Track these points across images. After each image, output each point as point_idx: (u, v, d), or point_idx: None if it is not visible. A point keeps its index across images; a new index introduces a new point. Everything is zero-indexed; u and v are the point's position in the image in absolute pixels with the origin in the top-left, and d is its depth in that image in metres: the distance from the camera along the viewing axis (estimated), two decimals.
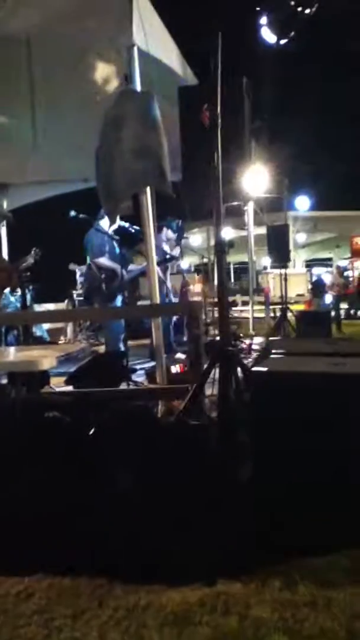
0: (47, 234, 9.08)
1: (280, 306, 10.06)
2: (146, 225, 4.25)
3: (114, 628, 2.05)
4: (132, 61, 4.17)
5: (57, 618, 2.13)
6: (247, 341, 7.68)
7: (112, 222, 5.41)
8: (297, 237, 23.80)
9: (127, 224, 5.64)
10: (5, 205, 7.57)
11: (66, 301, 11.00)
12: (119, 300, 5.82)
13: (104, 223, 5.75)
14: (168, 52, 5.30)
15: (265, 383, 2.83)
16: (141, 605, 2.18)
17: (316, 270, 24.16)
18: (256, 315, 10.78)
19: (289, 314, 9.71)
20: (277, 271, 12.37)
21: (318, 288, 14.90)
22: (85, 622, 2.10)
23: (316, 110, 24.67)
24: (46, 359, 3.10)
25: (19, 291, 6.43)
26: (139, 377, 5.56)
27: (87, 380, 4.49)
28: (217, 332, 5.06)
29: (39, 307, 8.85)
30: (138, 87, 4.18)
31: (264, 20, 6.14)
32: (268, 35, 6.10)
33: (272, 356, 3.58)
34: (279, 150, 10.68)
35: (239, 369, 3.44)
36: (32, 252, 7.24)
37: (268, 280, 17.79)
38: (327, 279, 16.04)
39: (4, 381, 4.18)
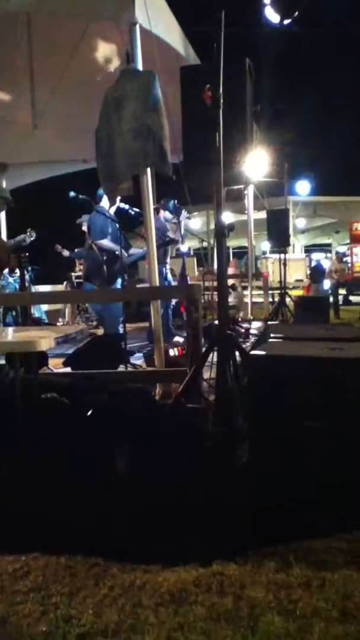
0: (47, 216, 9.00)
1: (278, 291, 10.05)
2: (146, 207, 4.22)
3: (109, 606, 2.07)
4: (134, 39, 4.10)
5: (54, 595, 2.15)
6: (245, 325, 7.67)
7: (112, 203, 5.37)
8: (297, 222, 23.69)
9: (127, 206, 5.60)
10: (4, 184, 7.51)
11: (65, 283, 10.98)
12: (119, 283, 5.80)
13: (104, 204, 5.70)
14: (170, 31, 5.22)
15: (262, 367, 2.83)
16: (137, 584, 2.21)
17: (315, 256, 24.12)
18: (255, 300, 10.78)
19: (288, 299, 9.71)
20: (276, 256, 12.34)
21: (317, 274, 14.85)
22: (81, 600, 2.12)
23: (318, 94, 24.44)
24: (44, 339, 3.09)
25: (17, 272, 6.42)
26: (137, 360, 5.57)
27: (85, 362, 4.49)
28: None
29: (38, 289, 8.83)
30: (140, 66, 4.12)
31: None
32: (271, 15, 6.00)
33: (270, 340, 3.58)
34: (280, 134, 10.57)
35: (236, 353, 3.44)
36: (27, 232, 7.21)
37: (267, 265, 17.75)
38: (326, 264, 16.00)
39: (2, 362, 4.18)
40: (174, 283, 7.47)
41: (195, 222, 19.13)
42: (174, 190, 6.32)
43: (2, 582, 2.25)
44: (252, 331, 7.49)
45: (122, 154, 3.83)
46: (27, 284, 6.32)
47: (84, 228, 8.65)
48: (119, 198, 5.28)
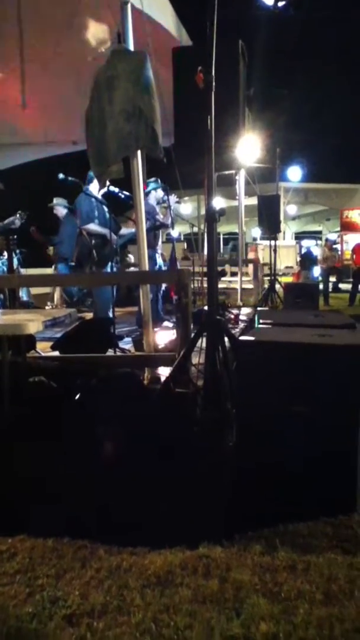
0: (36, 197, 8.88)
1: (268, 278, 10.06)
2: (136, 190, 4.18)
3: (96, 588, 2.08)
4: (126, 19, 4.02)
5: (40, 577, 2.16)
6: (235, 311, 7.66)
7: (102, 185, 5.29)
8: (288, 208, 23.64)
9: (117, 189, 5.54)
10: None
11: (53, 267, 10.87)
12: (109, 267, 5.75)
13: (94, 187, 5.64)
14: (163, 11, 5.14)
15: (251, 352, 2.84)
16: (123, 566, 2.22)
17: (305, 243, 24.11)
18: (244, 286, 10.78)
19: (277, 286, 9.71)
20: (267, 242, 12.32)
21: (307, 261, 14.88)
22: (67, 581, 2.13)
23: (312, 80, 24.26)
24: (32, 322, 3.08)
25: (5, 254, 6.36)
26: (126, 345, 5.55)
27: (73, 346, 4.47)
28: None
29: (26, 272, 8.74)
30: (131, 46, 4.05)
31: None
32: None
33: (259, 326, 3.59)
34: (272, 119, 10.47)
35: (226, 339, 3.44)
36: (18, 214, 7.10)
37: (257, 251, 17.73)
38: (316, 252, 16.02)
39: None
40: (164, 268, 7.43)
41: (186, 207, 19.01)
42: (165, 174, 6.26)
43: None
44: (241, 317, 7.49)
45: (113, 135, 3.78)
46: (15, 267, 6.26)
47: (56, 212, 8.54)
48: (108, 181, 5.22)
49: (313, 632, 1.80)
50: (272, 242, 10.35)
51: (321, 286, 12.64)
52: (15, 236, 5.08)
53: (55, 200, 8.54)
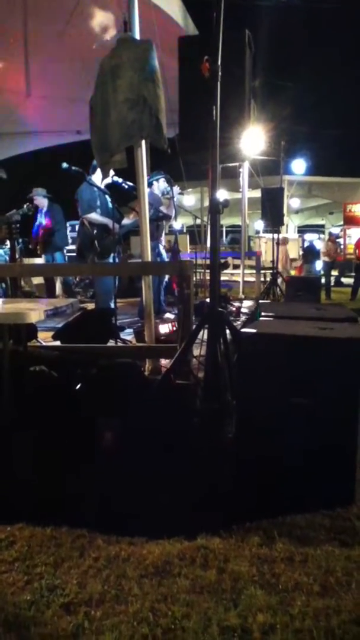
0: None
1: (271, 271, 10.03)
2: (140, 181, 4.16)
3: (94, 577, 2.09)
4: (132, 7, 3.99)
5: (38, 565, 2.17)
6: (237, 304, 7.66)
7: (105, 175, 5.27)
8: (291, 202, 23.52)
9: (120, 180, 5.51)
10: None
11: (43, 257, 10.81)
12: (111, 257, 5.73)
13: (96, 177, 5.61)
14: (170, 0, 5.10)
15: (252, 344, 2.83)
16: (122, 556, 2.23)
17: (308, 237, 24.03)
18: (247, 279, 10.76)
19: (279, 279, 9.69)
20: (270, 236, 12.29)
21: (309, 254, 14.82)
22: (65, 570, 2.14)
23: (317, 72, 24.11)
24: (34, 311, 3.07)
25: (8, 243, 6.34)
26: (128, 335, 5.55)
27: (75, 335, 4.46)
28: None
29: (32, 262, 8.72)
30: (137, 35, 4.02)
31: None
32: None
33: (260, 319, 3.57)
34: (277, 111, 10.42)
35: (227, 331, 3.44)
36: (25, 207, 7.00)
37: (260, 244, 17.69)
38: (319, 245, 15.96)
39: None
40: (167, 259, 7.41)
41: (189, 198, 18.96)
42: (169, 165, 6.23)
43: None
44: (243, 310, 7.48)
45: (117, 125, 3.75)
46: (17, 256, 6.25)
47: (36, 202, 8.46)
48: (111, 171, 5.19)
49: (310, 623, 1.81)
50: (275, 235, 10.30)
51: (323, 280, 12.60)
52: (18, 225, 5.05)
53: (35, 191, 8.44)
